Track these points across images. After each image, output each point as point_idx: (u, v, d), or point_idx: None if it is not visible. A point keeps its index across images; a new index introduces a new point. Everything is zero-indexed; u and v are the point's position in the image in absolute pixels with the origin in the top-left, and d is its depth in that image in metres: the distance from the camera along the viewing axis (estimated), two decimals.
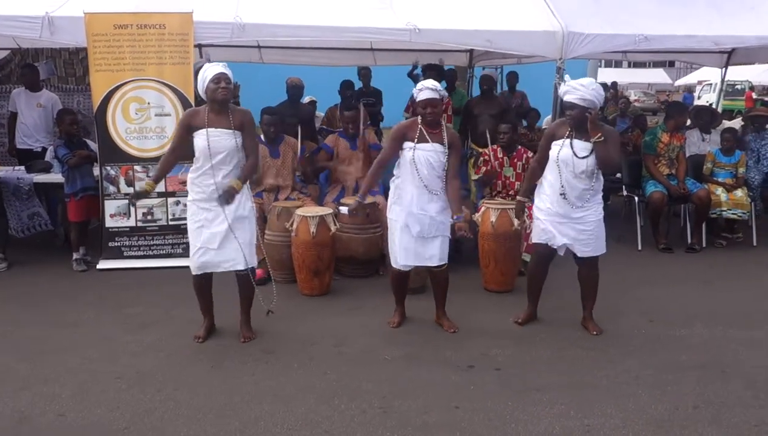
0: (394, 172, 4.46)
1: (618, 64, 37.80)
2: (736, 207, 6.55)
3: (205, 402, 3.55)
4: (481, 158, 6.15)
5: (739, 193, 6.63)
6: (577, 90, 4.12)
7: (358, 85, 9.24)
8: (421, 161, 4.21)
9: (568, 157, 4.20)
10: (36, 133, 7.17)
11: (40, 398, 3.59)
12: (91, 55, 5.79)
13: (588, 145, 4.18)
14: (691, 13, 6.91)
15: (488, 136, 6.73)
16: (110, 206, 5.96)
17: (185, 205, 5.85)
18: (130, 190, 5.90)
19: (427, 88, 4.20)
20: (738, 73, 29.12)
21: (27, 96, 7.19)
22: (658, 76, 41.91)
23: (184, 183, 5.88)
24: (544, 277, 4.61)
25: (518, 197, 4.69)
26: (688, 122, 7.93)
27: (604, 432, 3.26)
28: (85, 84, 8.52)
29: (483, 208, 5.39)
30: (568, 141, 4.22)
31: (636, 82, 40.10)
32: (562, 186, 4.24)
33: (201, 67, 6.67)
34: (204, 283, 4.37)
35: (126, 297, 5.22)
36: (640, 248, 6.60)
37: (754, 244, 6.76)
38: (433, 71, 7.69)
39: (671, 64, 39.70)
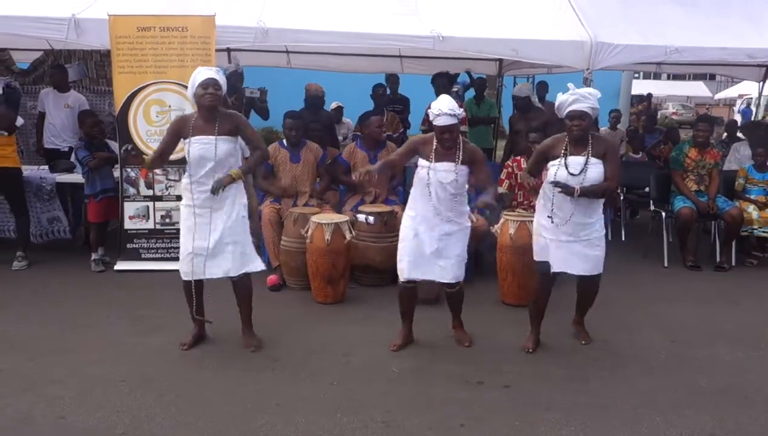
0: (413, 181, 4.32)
1: (657, 76, 37.13)
2: (767, 225, 6.32)
3: (206, 410, 3.49)
4: (504, 170, 6.03)
5: None
6: (587, 99, 3.95)
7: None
8: (434, 182, 4.06)
9: (563, 177, 4.02)
10: (63, 133, 7.24)
11: (42, 399, 3.58)
12: (115, 57, 5.83)
13: (582, 160, 4.01)
14: (725, 24, 6.72)
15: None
16: (129, 208, 5.98)
17: None
18: (150, 192, 5.92)
19: (445, 115, 3.97)
20: None
21: (55, 96, 7.27)
22: (697, 89, 41.14)
23: None
24: (548, 298, 4.39)
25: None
26: (724, 136, 7.72)
27: None
28: None
29: (502, 220, 5.27)
30: (562, 160, 4.05)
31: (674, 94, 39.42)
32: (552, 209, 4.11)
33: (231, 72, 6.74)
34: (190, 290, 4.22)
35: (140, 299, 5.22)
36: (666, 264, 6.41)
37: None
38: (443, 78, 7.60)
39: (712, 77, 38.92)
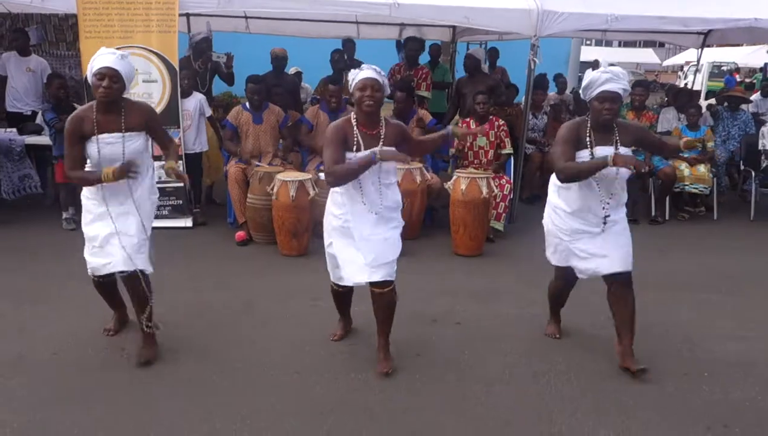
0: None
1: (608, 44, 37.92)
2: (697, 182, 6.88)
3: (192, 342, 3.84)
4: (462, 125, 6.38)
5: (702, 168, 6.95)
6: (621, 79, 3.43)
7: None
8: (365, 173, 3.44)
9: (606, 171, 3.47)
10: (26, 97, 7.34)
11: (32, 340, 3.87)
12: (81, 22, 5.99)
13: (611, 151, 3.47)
14: None
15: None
16: None
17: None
18: None
19: (369, 68, 3.45)
20: (725, 55, 29.48)
21: (17, 60, 7.35)
22: (647, 55, 42.13)
23: None
24: (569, 291, 4.05)
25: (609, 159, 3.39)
26: (665, 99, 8.26)
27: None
28: (75, 49, 8.63)
29: (454, 177, 5.67)
30: (587, 151, 3.51)
31: (625, 61, 40.15)
32: (601, 201, 3.57)
33: (199, 39, 6.93)
34: (103, 285, 3.84)
35: None
36: None
37: (715, 217, 7.10)
38: (416, 43, 7.92)
39: (661, 44, 39.85)
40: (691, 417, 3.23)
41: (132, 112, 3.52)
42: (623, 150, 3.50)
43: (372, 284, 3.57)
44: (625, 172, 3.49)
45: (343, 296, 3.91)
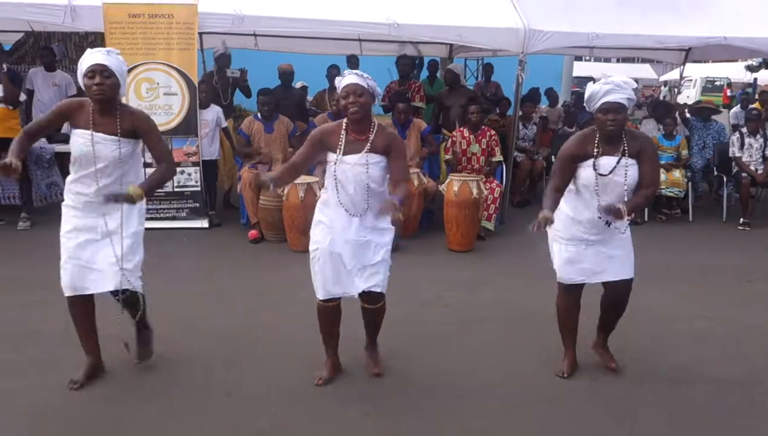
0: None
1: (607, 60, 38.62)
2: (673, 186, 7.44)
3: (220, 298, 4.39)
4: (450, 139, 7.00)
5: (677, 173, 7.52)
6: (624, 89, 3.39)
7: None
8: (346, 177, 3.40)
9: (590, 179, 3.49)
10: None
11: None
12: (108, 40, 6.58)
13: (613, 161, 3.45)
14: (645, 15, 7.72)
15: (457, 123, 7.59)
16: None
17: (189, 174, 6.75)
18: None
19: (352, 74, 3.41)
20: (718, 71, 30.20)
21: (43, 75, 7.94)
22: (644, 71, 42.85)
23: (188, 154, 6.77)
24: (579, 313, 3.84)
25: (544, 212, 3.33)
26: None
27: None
28: None
29: (448, 180, 6.25)
30: (591, 161, 3.48)
31: (626, 77, 40.91)
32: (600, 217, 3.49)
33: (217, 56, 7.53)
34: (79, 307, 3.52)
35: None
36: None
37: (690, 219, 7.67)
38: (407, 59, 8.53)
39: (660, 61, 40.54)
40: (654, 377, 3.78)
41: (127, 118, 3.36)
42: (628, 160, 3.44)
43: (362, 299, 3.56)
44: (632, 182, 3.45)
45: (332, 312, 3.64)
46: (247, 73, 8.20)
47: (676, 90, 15.58)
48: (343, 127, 3.43)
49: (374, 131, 3.43)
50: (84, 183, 3.37)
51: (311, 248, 3.53)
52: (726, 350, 4.19)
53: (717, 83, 30.24)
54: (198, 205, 6.91)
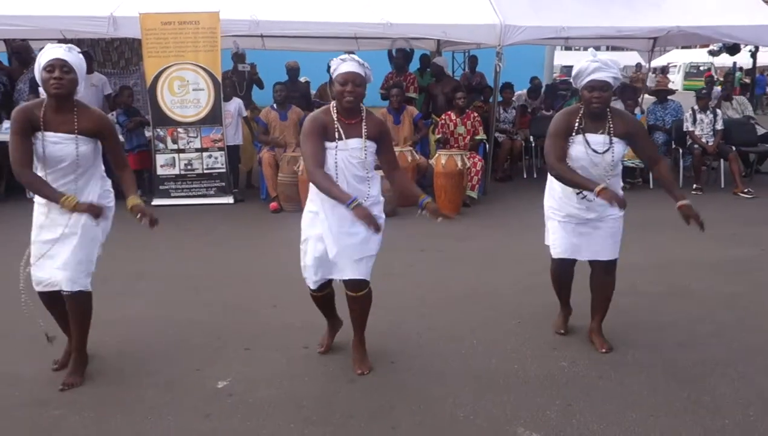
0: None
1: (597, 48, 39.66)
2: (634, 158, 8.56)
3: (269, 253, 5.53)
4: (439, 121, 8.14)
5: None
6: (610, 67, 3.46)
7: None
8: (346, 164, 3.37)
9: (589, 155, 3.56)
10: None
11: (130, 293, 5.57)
12: (144, 44, 7.71)
13: (604, 139, 3.55)
14: (606, 9, 8.88)
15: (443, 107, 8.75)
16: (160, 159, 7.92)
17: (215, 157, 7.87)
18: (175, 146, 7.86)
19: (352, 60, 3.32)
20: (702, 57, 31.42)
21: None
22: (632, 58, 43.93)
23: (215, 141, 7.89)
24: (572, 279, 4.05)
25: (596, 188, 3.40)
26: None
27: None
28: (119, 68, 10.52)
29: (436, 155, 7.40)
30: (581, 137, 3.57)
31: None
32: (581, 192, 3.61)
33: (235, 53, 8.65)
34: (50, 302, 3.51)
35: (172, 223, 7.17)
36: None
37: (651, 187, 8.81)
38: (401, 53, 9.66)
39: (631, 49, 41.58)
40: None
41: (85, 116, 3.28)
42: (615, 139, 3.53)
43: (346, 286, 3.55)
44: (618, 160, 3.59)
45: (323, 300, 3.75)
46: (256, 67, 9.35)
47: (653, 75, 16.76)
48: (334, 113, 3.38)
49: (364, 116, 3.43)
50: (55, 179, 3.30)
51: (302, 238, 3.57)
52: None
53: (701, 68, 31.46)
54: (224, 184, 8.04)
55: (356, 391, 3.48)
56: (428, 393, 3.46)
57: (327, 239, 3.43)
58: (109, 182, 3.54)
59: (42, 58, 3.18)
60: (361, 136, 3.37)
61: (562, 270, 3.96)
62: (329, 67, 3.75)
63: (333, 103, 3.41)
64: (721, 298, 4.84)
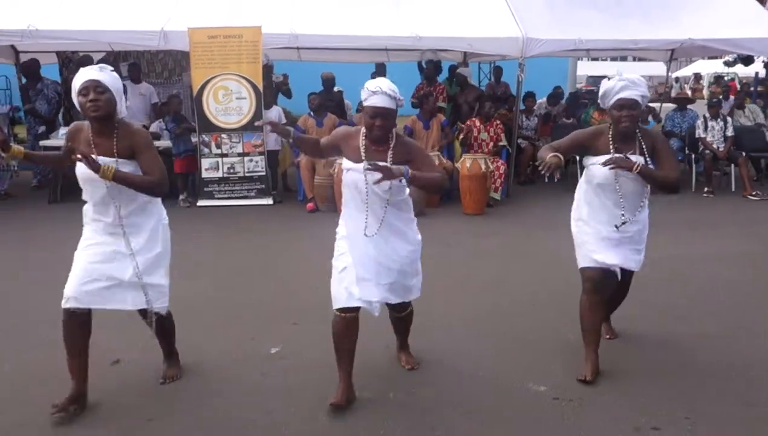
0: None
1: (623, 58, 39.96)
2: None
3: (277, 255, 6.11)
4: (463, 127, 8.67)
5: None
6: (638, 86, 3.43)
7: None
8: (358, 188, 3.31)
9: (608, 177, 3.50)
10: (138, 114, 9.70)
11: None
12: (192, 56, 8.36)
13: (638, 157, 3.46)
14: (624, 22, 9.34)
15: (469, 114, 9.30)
16: (205, 163, 8.56)
17: (256, 162, 8.47)
18: (219, 151, 8.49)
19: (383, 94, 3.18)
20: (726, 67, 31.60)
21: (131, 87, 9.72)
22: (658, 69, 44.08)
23: (255, 146, 8.50)
24: (602, 315, 3.80)
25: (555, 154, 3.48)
26: None
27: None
28: (163, 78, 11.19)
29: (462, 159, 7.95)
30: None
31: (639, 74, 42.14)
32: (623, 215, 3.56)
33: (265, 65, 9.27)
34: (77, 323, 3.25)
35: (219, 222, 7.78)
36: None
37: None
38: (432, 65, 10.23)
39: (674, 58, 41.66)
40: None
41: (125, 137, 3.17)
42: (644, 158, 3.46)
43: (390, 307, 3.60)
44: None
45: (347, 324, 3.40)
46: (288, 78, 9.98)
47: (678, 84, 17.14)
48: (362, 136, 3.34)
49: (393, 142, 3.31)
50: (100, 212, 3.26)
51: (335, 258, 3.48)
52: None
53: (726, 78, 31.64)
54: (264, 186, 8.65)
55: (393, 355, 4.01)
56: (453, 358, 4.00)
57: (364, 255, 3.35)
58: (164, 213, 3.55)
59: (76, 83, 3.13)
60: (384, 161, 3.23)
61: (595, 295, 3.64)
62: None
63: (363, 127, 3.34)
64: (721, 283, 5.34)
